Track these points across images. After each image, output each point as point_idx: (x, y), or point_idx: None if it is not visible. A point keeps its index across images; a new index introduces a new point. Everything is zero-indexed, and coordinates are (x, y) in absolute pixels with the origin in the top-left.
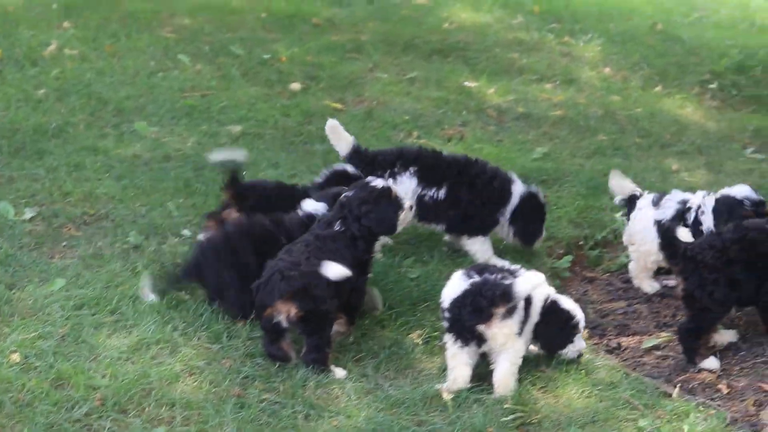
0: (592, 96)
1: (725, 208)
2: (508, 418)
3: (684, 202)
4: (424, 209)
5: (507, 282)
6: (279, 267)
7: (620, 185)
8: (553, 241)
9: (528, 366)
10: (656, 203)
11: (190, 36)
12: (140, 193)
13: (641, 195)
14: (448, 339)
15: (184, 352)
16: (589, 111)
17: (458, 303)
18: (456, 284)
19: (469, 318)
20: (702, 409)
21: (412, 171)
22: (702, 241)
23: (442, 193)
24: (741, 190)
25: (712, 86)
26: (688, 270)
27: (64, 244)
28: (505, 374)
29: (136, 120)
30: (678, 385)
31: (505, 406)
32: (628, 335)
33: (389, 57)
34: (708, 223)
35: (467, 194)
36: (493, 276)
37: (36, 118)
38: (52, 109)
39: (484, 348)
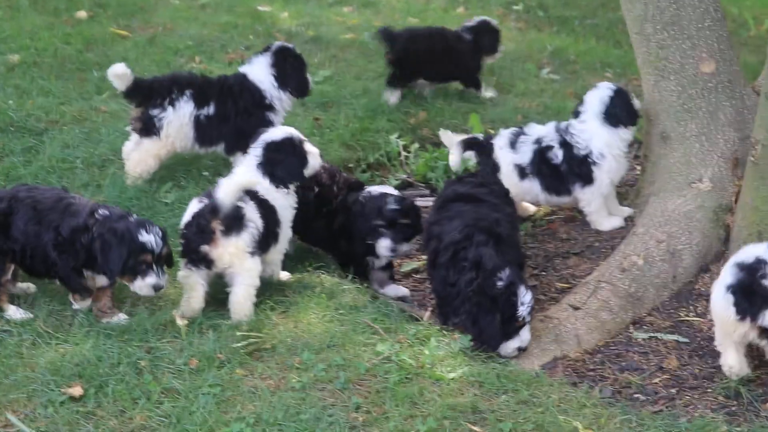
0: (389, 18)
1: None
2: (240, 344)
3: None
4: (201, 131)
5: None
6: None
7: (450, 139)
8: None
9: (270, 290)
10: (513, 145)
11: None
12: None
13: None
14: (182, 263)
15: None
16: None
17: (187, 225)
18: (190, 208)
19: (194, 239)
20: (445, 333)
21: (188, 94)
22: None
23: (211, 110)
24: None
25: (517, 7)
26: None
27: None
28: (239, 298)
29: None
30: (431, 310)
31: (238, 332)
32: None
33: None
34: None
35: (233, 108)
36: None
37: None
38: None
39: (215, 270)
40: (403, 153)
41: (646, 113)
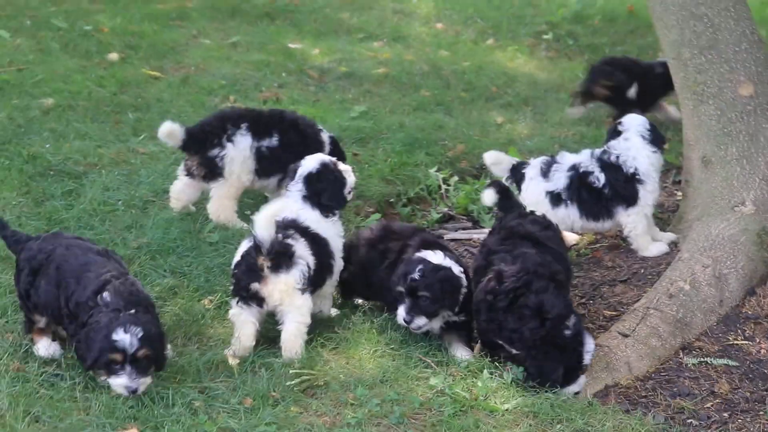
0: (420, 52)
1: None
2: (294, 382)
3: (575, 167)
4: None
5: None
6: None
7: (496, 161)
8: (362, 200)
9: (320, 327)
10: (545, 173)
11: (12, 11)
12: None
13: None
14: (232, 301)
15: None
16: (415, 67)
17: (237, 264)
18: (242, 246)
19: (244, 277)
20: (497, 365)
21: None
22: None
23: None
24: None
25: (546, 37)
26: None
27: None
28: (290, 335)
29: None
30: (478, 342)
31: (292, 370)
32: None
33: (214, 23)
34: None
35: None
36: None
37: None
38: None
39: (267, 308)
40: (443, 186)
41: (686, 138)
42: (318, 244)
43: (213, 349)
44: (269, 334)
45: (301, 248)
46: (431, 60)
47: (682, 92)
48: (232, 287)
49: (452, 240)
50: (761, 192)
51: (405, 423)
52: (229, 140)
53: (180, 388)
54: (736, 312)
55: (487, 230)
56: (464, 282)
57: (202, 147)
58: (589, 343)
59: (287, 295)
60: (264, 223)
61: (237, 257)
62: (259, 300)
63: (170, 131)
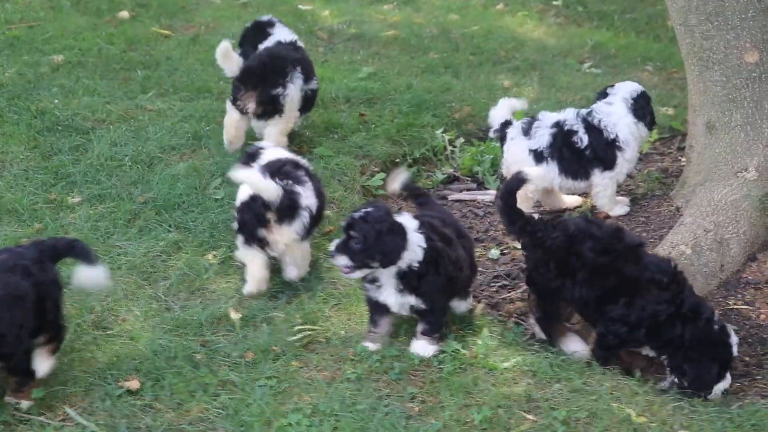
0: (430, 15)
1: None
2: (295, 337)
3: (559, 125)
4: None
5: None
6: None
7: (503, 108)
8: (368, 160)
9: (322, 284)
10: (527, 132)
11: None
12: None
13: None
14: (238, 240)
15: None
16: (424, 30)
17: (243, 208)
18: (245, 188)
19: (251, 223)
20: (498, 323)
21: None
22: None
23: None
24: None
25: (556, 2)
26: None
27: None
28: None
29: None
30: (483, 301)
31: (295, 327)
32: None
33: None
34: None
35: None
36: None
37: None
38: None
39: (271, 253)
40: (449, 147)
41: (691, 104)
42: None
43: (216, 303)
44: (271, 290)
45: (307, 194)
46: (440, 23)
47: (688, 58)
48: (236, 226)
49: (456, 201)
50: (764, 158)
51: (404, 379)
52: (291, 81)
53: (182, 341)
54: (736, 277)
55: (491, 192)
56: (413, 241)
57: (262, 83)
58: (733, 335)
59: (291, 244)
60: (269, 183)
61: (242, 197)
62: (263, 243)
63: (227, 53)
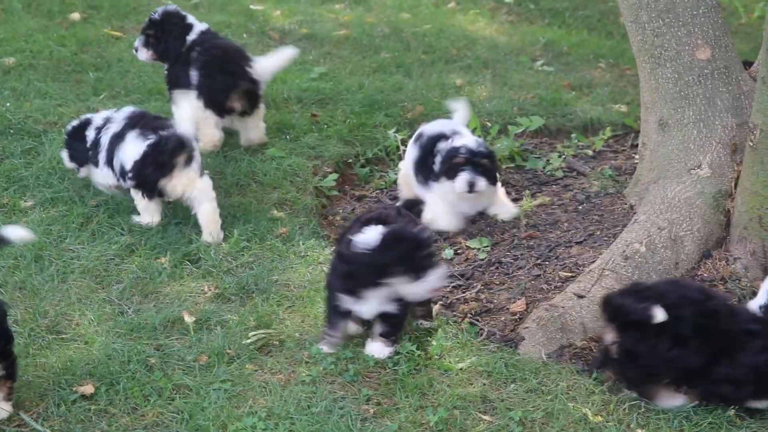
0: (381, 14)
1: None
2: (250, 340)
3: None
4: None
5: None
6: None
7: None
8: (320, 161)
9: (276, 287)
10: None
11: None
12: None
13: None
14: (136, 195)
15: None
16: (376, 30)
17: (142, 163)
18: (139, 145)
19: (154, 175)
20: (452, 323)
21: None
22: None
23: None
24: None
25: (508, 0)
26: None
27: None
28: (208, 214)
29: None
30: (439, 302)
31: (250, 332)
32: None
33: None
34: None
35: None
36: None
37: None
38: None
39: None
40: (402, 147)
41: (643, 101)
42: None
43: (169, 307)
44: (224, 293)
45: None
46: (392, 22)
47: (639, 55)
48: (134, 184)
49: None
50: (717, 155)
51: (359, 381)
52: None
53: (135, 345)
54: (691, 274)
55: None
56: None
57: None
58: None
59: (190, 184)
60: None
61: (135, 156)
62: (161, 193)
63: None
